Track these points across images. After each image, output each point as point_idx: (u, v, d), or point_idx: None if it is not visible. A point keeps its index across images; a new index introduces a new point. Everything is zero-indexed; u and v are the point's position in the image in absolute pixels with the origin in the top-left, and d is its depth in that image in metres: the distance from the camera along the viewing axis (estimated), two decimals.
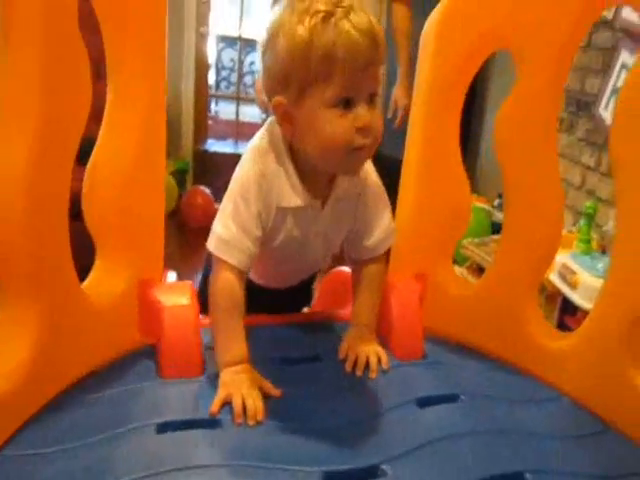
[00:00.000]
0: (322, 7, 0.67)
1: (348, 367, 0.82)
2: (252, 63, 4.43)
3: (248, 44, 4.14)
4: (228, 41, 4.15)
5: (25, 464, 0.60)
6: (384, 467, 0.66)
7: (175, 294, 0.82)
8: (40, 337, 0.65)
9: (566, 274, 1.68)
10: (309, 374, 0.82)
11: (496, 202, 2.66)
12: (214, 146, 3.57)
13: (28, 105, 0.60)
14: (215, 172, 3.12)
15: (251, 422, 0.69)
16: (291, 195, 0.76)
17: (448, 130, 0.96)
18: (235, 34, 3.72)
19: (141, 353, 0.81)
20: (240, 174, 0.77)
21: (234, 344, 0.75)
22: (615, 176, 0.81)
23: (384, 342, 0.90)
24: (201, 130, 3.49)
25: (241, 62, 4.13)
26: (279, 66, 0.70)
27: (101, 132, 0.77)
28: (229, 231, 0.75)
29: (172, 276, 1.02)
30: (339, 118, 0.69)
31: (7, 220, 0.60)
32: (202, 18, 3.39)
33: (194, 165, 3.35)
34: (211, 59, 3.94)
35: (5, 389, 0.62)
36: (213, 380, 0.75)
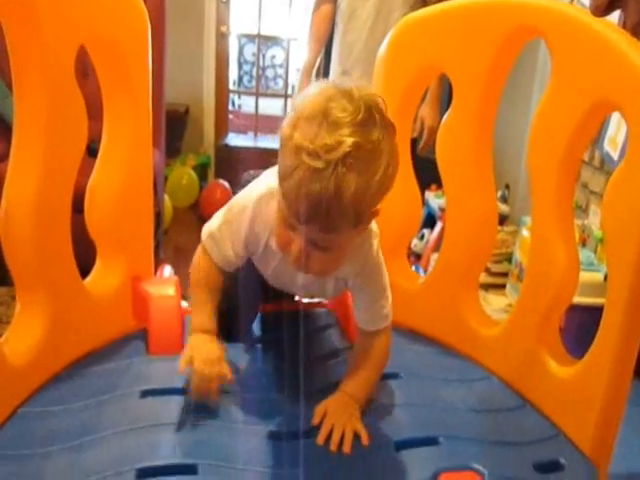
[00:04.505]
0: (311, 156, 0.64)
1: (320, 440, 0.78)
2: (273, 57, 4.58)
3: (268, 40, 4.29)
4: (250, 37, 4.31)
5: (37, 419, 0.78)
6: None
7: (162, 287, 0.99)
8: (49, 322, 0.84)
9: None
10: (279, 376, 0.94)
11: (499, 193, 2.74)
12: (235, 140, 3.73)
13: (35, 144, 0.78)
14: (236, 165, 3.30)
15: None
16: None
17: (399, 145, 1.09)
18: (254, 32, 3.87)
19: (134, 335, 0.99)
20: (242, 204, 0.82)
21: (202, 314, 0.85)
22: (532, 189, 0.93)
23: (342, 327, 1.05)
24: (222, 125, 3.67)
25: (261, 59, 4.28)
26: (280, 143, 0.71)
27: (97, 161, 0.94)
28: (220, 233, 0.84)
29: (167, 269, 1.20)
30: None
31: (20, 232, 0.78)
32: (222, 18, 3.55)
33: (215, 159, 3.54)
34: (234, 54, 4.10)
35: (22, 362, 0.80)
36: None
